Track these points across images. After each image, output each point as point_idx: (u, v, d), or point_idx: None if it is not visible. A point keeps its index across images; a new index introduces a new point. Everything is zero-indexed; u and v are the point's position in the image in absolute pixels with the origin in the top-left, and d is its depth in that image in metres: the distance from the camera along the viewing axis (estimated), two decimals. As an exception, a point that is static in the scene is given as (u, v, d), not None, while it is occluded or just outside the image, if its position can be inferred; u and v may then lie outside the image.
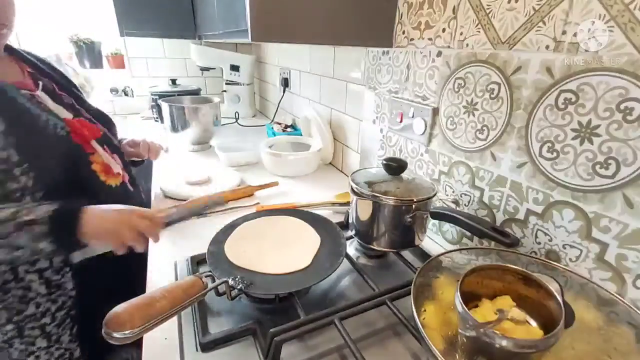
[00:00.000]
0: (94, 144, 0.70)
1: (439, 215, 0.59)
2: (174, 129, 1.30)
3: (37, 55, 0.74)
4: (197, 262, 0.63)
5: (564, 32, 0.46)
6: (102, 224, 0.57)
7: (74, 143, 0.66)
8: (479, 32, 0.57)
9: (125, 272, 0.82)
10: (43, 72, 0.71)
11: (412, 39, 0.73)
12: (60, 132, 0.63)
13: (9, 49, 0.68)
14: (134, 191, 0.82)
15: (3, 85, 0.59)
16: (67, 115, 0.68)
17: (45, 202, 0.57)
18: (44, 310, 0.65)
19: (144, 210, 0.62)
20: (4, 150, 0.55)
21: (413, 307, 0.38)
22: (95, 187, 0.69)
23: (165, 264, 0.65)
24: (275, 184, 0.97)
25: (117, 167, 0.75)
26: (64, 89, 0.74)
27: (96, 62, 1.91)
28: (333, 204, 0.88)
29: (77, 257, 0.67)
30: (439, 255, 0.48)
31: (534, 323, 0.38)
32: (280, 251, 0.60)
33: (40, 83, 0.67)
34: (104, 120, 0.81)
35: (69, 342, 0.70)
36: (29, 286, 0.63)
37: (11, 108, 0.58)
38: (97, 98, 1.91)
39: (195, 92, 1.69)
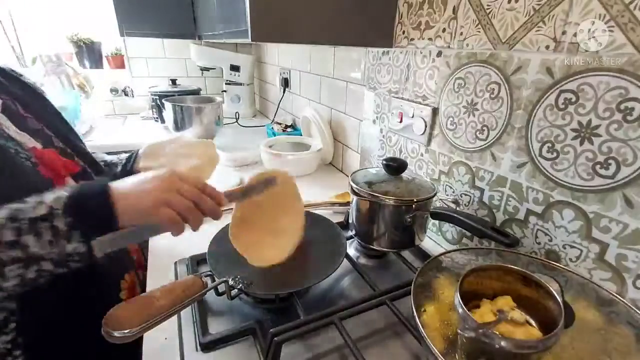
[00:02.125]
0: (70, 181, 0.54)
1: (439, 215, 0.59)
2: (177, 128, 1.31)
3: None
4: (197, 262, 0.63)
5: (564, 32, 0.46)
6: (141, 196, 0.42)
7: (42, 177, 0.50)
8: (479, 32, 0.57)
9: (77, 297, 0.54)
10: (2, 86, 0.55)
11: (412, 39, 0.73)
12: (26, 163, 0.48)
13: None
14: None
15: None
16: (34, 144, 0.52)
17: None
18: None
19: (188, 175, 0.45)
20: None
21: (413, 307, 0.38)
22: None
23: (165, 264, 0.65)
24: None
25: None
26: (33, 110, 0.57)
27: (96, 62, 1.91)
28: (333, 204, 0.88)
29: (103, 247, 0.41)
30: (439, 255, 0.48)
31: (533, 323, 0.38)
32: (273, 233, 0.59)
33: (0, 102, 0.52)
34: (83, 155, 0.62)
35: None
36: None
37: None
38: (97, 98, 1.91)
39: (195, 92, 1.69)
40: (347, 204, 0.84)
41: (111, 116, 1.94)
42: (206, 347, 0.47)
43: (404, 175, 0.64)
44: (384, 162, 0.63)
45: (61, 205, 0.38)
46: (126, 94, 1.99)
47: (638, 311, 0.37)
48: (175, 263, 0.65)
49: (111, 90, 1.97)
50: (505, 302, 0.39)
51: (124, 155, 0.72)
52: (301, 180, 1.07)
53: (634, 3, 0.38)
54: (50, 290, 0.45)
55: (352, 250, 0.71)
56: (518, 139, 0.54)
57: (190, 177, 0.45)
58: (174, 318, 0.52)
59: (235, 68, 1.81)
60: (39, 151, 0.52)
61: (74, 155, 0.59)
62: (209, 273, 0.51)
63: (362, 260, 0.68)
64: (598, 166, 0.44)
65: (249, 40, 0.64)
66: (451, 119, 0.66)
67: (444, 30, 0.65)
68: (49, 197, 0.39)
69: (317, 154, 1.10)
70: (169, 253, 0.68)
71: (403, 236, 0.63)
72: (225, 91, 1.88)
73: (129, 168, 0.69)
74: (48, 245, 0.37)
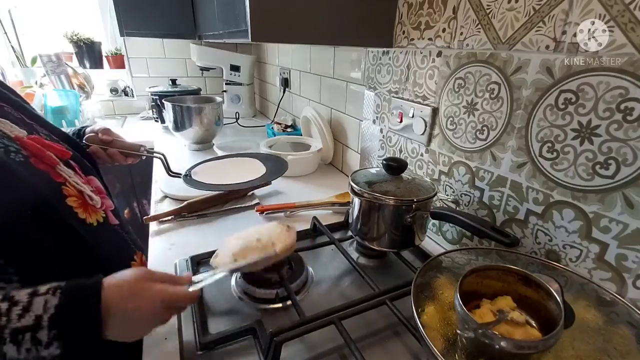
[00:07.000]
0: (62, 169, 0.51)
1: (439, 215, 0.59)
2: (177, 128, 1.31)
3: None
4: (197, 262, 0.63)
5: (564, 32, 0.46)
6: (127, 308, 0.38)
7: (38, 170, 0.47)
8: (479, 32, 0.57)
9: None
10: None
11: (412, 39, 0.73)
12: (17, 158, 0.45)
13: None
14: (120, 226, 0.60)
15: None
16: (18, 132, 0.49)
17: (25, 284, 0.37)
18: None
19: (164, 275, 0.45)
20: None
21: (413, 307, 0.38)
22: (75, 232, 0.49)
23: (165, 263, 0.65)
24: (268, 183, 0.97)
25: (96, 197, 0.56)
26: (4, 99, 0.54)
27: (96, 62, 1.91)
28: (333, 204, 0.88)
29: None
30: (439, 255, 0.48)
31: (533, 323, 0.38)
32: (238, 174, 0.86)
33: None
34: (68, 140, 0.61)
35: None
36: None
37: None
38: (97, 98, 1.91)
39: (195, 92, 1.69)
40: (347, 204, 0.84)
41: (111, 116, 1.94)
42: (206, 347, 0.47)
43: (404, 175, 0.64)
44: (384, 162, 0.63)
45: (48, 316, 0.35)
46: (126, 94, 2.00)
47: (638, 311, 0.37)
48: (176, 264, 0.65)
49: (111, 90, 1.97)
50: (505, 302, 0.39)
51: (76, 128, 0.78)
52: (301, 180, 1.07)
53: (634, 3, 0.38)
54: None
55: (352, 250, 0.71)
56: (518, 139, 0.54)
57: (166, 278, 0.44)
58: (174, 318, 0.52)
59: (235, 68, 1.81)
60: (25, 141, 0.48)
61: (59, 140, 0.58)
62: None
63: (362, 260, 0.68)
64: (598, 166, 0.44)
65: (249, 40, 0.64)
66: (451, 119, 0.66)
67: (444, 30, 0.65)
68: (37, 304, 0.35)
69: (317, 154, 1.10)
70: (169, 253, 0.68)
71: (403, 236, 0.63)
72: (225, 91, 1.88)
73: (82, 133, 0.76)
74: (25, 352, 0.35)
